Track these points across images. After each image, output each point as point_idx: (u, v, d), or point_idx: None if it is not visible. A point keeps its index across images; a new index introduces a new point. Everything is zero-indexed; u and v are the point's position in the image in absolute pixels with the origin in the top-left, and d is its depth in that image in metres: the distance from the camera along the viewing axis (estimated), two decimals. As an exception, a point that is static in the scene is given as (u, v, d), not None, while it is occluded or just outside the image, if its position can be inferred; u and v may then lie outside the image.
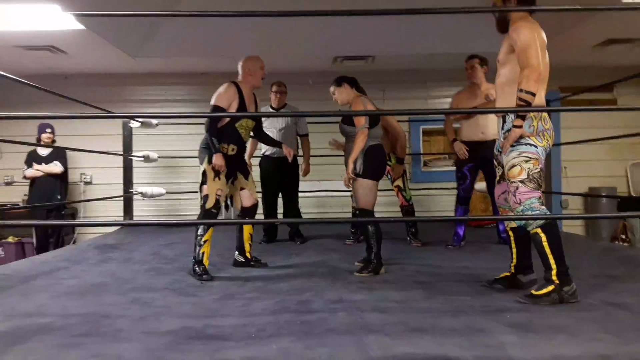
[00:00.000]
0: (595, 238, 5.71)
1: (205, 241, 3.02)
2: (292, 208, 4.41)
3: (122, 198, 5.31)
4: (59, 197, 5.26)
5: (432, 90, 6.38)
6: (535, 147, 2.32)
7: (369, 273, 2.93)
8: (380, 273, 2.95)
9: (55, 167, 5.24)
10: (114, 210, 5.74)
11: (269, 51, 5.34)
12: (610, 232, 5.87)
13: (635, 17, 4.31)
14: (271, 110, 4.42)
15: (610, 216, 6.15)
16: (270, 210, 4.40)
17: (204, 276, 2.89)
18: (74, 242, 5.70)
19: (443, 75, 6.13)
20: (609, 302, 2.22)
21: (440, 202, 6.23)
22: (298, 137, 4.45)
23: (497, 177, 2.60)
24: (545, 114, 2.35)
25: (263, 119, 4.06)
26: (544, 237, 2.25)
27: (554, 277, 2.23)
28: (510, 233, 2.57)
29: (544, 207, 2.32)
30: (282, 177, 4.34)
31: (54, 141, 5.27)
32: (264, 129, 3.89)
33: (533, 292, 2.27)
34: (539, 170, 2.32)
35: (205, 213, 3.05)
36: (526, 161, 2.31)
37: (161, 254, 3.75)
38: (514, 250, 2.56)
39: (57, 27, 4.33)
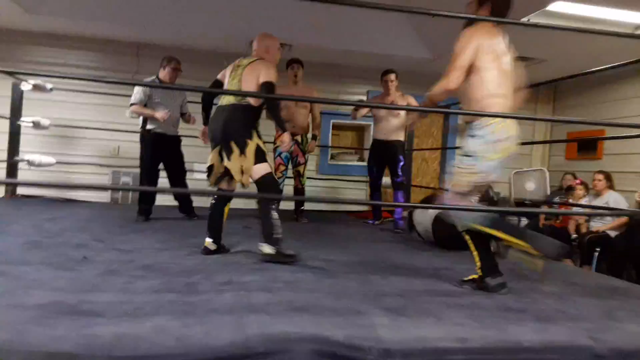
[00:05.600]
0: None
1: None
2: (182, 184, 4.47)
3: (5, 165, 4.88)
4: None
5: (346, 87, 6.53)
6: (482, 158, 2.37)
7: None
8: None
9: None
10: (-5, 179, 5.25)
11: (183, 26, 5.17)
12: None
13: (530, 37, 4.71)
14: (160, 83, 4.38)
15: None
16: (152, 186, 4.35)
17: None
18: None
19: (357, 73, 6.31)
20: (478, 293, 2.42)
21: (344, 194, 6.43)
22: (181, 116, 4.53)
23: None
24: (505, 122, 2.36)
25: (154, 94, 4.18)
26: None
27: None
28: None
29: None
30: (167, 153, 4.35)
31: None
32: (155, 103, 4.15)
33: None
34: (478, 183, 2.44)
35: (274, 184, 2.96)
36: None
37: (43, 227, 3.49)
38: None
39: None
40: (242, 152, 2.86)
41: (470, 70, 2.36)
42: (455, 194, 2.46)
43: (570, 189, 5.48)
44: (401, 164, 4.63)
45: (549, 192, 6.13)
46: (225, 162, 2.93)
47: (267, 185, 2.90)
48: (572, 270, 3.60)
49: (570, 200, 5.38)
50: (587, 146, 6.29)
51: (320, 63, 6.11)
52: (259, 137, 2.95)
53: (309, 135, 4.73)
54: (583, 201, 5.22)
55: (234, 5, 4.77)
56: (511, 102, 2.46)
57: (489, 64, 2.35)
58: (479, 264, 2.51)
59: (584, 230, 5.05)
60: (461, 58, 2.33)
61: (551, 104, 7.06)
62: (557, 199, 5.78)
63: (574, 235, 5.05)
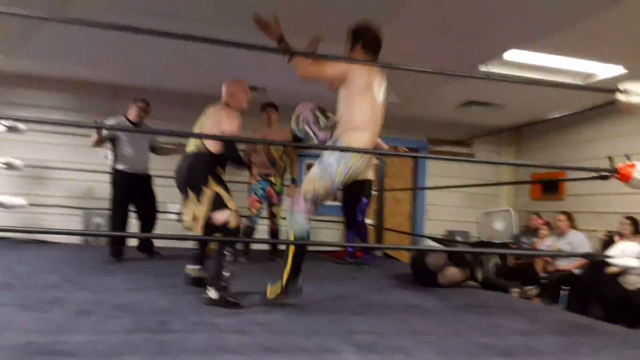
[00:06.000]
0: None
1: None
2: (150, 225, 4.50)
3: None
4: None
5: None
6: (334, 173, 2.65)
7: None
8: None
9: None
10: (-38, 220, 5.14)
11: (157, 69, 5.28)
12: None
13: (489, 84, 4.99)
14: (127, 122, 4.43)
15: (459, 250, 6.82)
16: (122, 228, 4.31)
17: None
18: None
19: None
20: (447, 329, 2.49)
21: (319, 234, 6.48)
22: (152, 151, 4.65)
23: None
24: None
25: (122, 135, 4.31)
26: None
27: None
28: None
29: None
30: (138, 193, 4.41)
31: None
32: (123, 141, 4.27)
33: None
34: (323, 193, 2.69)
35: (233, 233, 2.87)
36: None
37: (13, 269, 3.44)
38: None
39: None
40: (198, 199, 2.88)
41: (346, 92, 2.63)
42: (304, 198, 2.64)
43: (535, 230, 5.68)
44: (362, 203, 4.72)
45: (516, 232, 6.32)
46: (181, 208, 3.00)
47: (226, 234, 2.87)
48: (540, 308, 3.72)
49: (535, 240, 5.57)
50: (551, 187, 6.57)
51: (294, 106, 6.26)
52: (219, 183, 2.93)
53: (287, 177, 4.80)
54: (547, 240, 5.41)
55: (209, 49, 4.93)
56: (375, 137, 2.74)
57: (362, 93, 2.62)
58: (287, 276, 2.66)
59: (550, 269, 5.21)
60: (330, 69, 2.63)
61: (514, 146, 7.38)
62: (523, 239, 5.96)
63: (543, 274, 5.20)
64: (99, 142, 4.28)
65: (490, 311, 3.09)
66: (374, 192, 5.62)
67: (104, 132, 4.24)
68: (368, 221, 5.11)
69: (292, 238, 2.65)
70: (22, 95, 5.80)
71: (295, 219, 2.64)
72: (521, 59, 4.25)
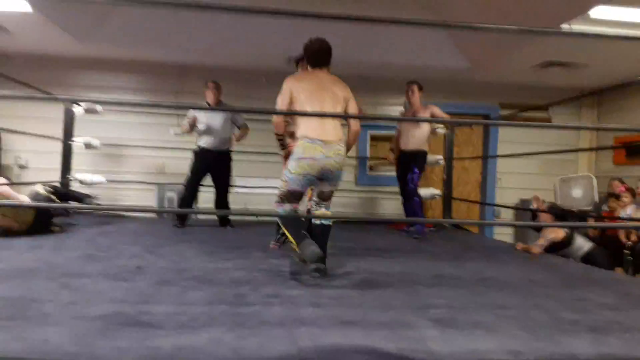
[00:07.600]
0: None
1: None
2: (223, 199, 4.84)
3: (58, 184, 5.11)
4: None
5: (380, 98, 6.54)
6: (289, 172, 2.91)
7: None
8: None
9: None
10: (49, 197, 5.51)
11: (223, 46, 5.33)
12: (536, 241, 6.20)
13: (571, 43, 4.62)
14: (205, 105, 4.83)
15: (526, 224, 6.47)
16: (191, 199, 4.75)
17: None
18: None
19: (392, 84, 6.30)
20: (528, 303, 2.38)
21: (383, 204, 6.42)
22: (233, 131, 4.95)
23: None
24: (306, 145, 2.85)
25: (200, 115, 4.69)
26: None
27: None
28: None
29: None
30: (215, 169, 4.77)
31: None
32: (200, 125, 4.67)
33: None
34: (286, 190, 2.94)
35: None
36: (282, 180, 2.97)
37: (96, 241, 3.65)
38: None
39: (2, 7, 4.15)
40: None
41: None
42: (277, 196, 3.00)
43: (613, 196, 5.28)
44: (414, 174, 4.74)
45: (597, 199, 5.92)
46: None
47: None
48: (626, 280, 3.48)
49: (616, 207, 5.17)
50: (636, 151, 6.06)
51: (355, 76, 6.13)
52: None
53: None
54: (629, 208, 5.02)
55: (268, 23, 4.89)
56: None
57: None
58: (296, 247, 2.82)
59: (634, 238, 4.85)
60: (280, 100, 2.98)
61: (595, 108, 6.86)
62: (605, 207, 5.58)
63: (629, 243, 4.85)
64: (191, 128, 4.73)
65: (572, 283, 2.93)
66: (440, 161, 5.47)
67: (191, 117, 4.68)
68: (427, 191, 5.12)
69: (282, 223, 3.03)
70: (97, 78, 6.07)
71: (279, 211, 3.02)
72: (608, 16, 3.87)
